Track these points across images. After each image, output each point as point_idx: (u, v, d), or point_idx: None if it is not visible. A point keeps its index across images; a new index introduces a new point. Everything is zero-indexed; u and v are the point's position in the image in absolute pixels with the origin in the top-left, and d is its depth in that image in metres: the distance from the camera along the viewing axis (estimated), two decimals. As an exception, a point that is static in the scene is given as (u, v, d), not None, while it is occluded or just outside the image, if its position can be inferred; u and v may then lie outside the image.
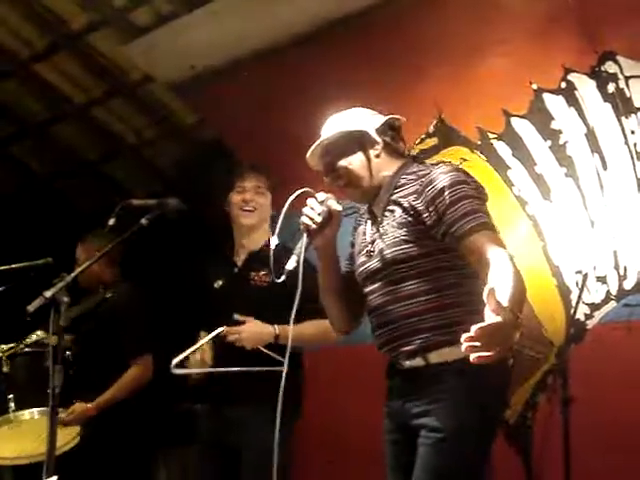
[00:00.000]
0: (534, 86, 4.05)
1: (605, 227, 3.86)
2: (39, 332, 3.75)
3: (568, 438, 3.37)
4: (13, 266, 3.79)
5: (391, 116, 2.66)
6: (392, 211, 2.53)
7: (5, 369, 3.53)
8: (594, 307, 3.89)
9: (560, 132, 4.00)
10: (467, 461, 2.42)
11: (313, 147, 2.65)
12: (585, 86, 3.90)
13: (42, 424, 3.32)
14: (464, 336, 1.89)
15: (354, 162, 2.60)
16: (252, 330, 3.35)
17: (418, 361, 2.48)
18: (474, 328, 1.89)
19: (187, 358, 3.40)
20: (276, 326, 3.35)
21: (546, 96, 4.03)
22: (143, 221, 3.13)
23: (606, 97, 3.83)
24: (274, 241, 2.70)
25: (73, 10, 5.10)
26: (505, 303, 1.99)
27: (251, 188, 3.60)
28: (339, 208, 2.59)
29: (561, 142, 4.00)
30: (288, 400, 3.27)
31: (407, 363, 2.51)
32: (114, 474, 3.86)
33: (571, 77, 3.94)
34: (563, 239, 4.01)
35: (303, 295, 3.07)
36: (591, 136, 3.90)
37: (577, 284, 3.92)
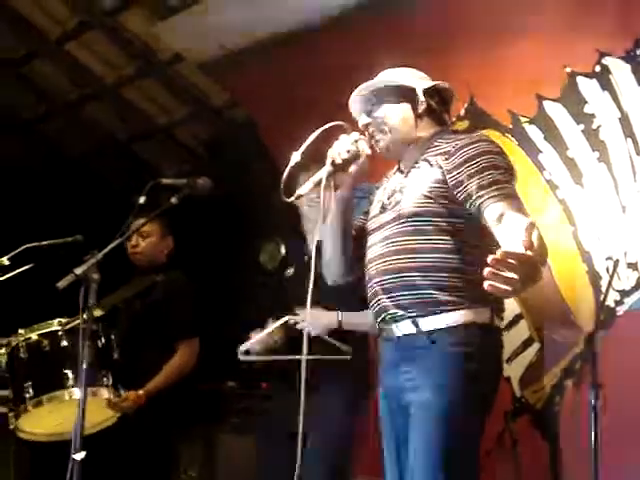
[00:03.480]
0: (567, 69, 4.01)
1: (637, 213, 3.82)
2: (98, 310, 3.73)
3: (597, 424, 3.35)
4: (43, 243, 3.81)
5: (442, 83, 2.63)
6: (419, 167, 2.52)
7: (64, 343, 3.51)
8: (624, 294, 3.85)
9: (593, 116, 3.95)
10: (459, 437, 2.37)
11: (359, 89, 2.63)
12: (620, 70, 3.84)
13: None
14: (490, 257, 1.85)
15: (394, 112, 2.58)
16: (315, 316, 3.32)
17: (408, 326, 2.43)
18: (501, 251, 1.85)
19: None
20: (339, 312, 3.35)
21: (580, 80, 3.98)
22: (173, 200, 3.14)
23: (641, 81, 3.79)
24: (295, 158, 2.58)
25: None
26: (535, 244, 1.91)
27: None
28: (368, 151, 2.57)
29: (594, 126, 3.95)
30: (354, 383, 3.33)
31: (396, 328, 2.46)
32: (138, 451, 3.87)
33: (605, 61, 3.88)
34: (594, 224, 3.97)
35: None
36: (625, 121, 3.85)
37: (607, 270, 3.88)
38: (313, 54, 4.64)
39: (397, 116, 2.58)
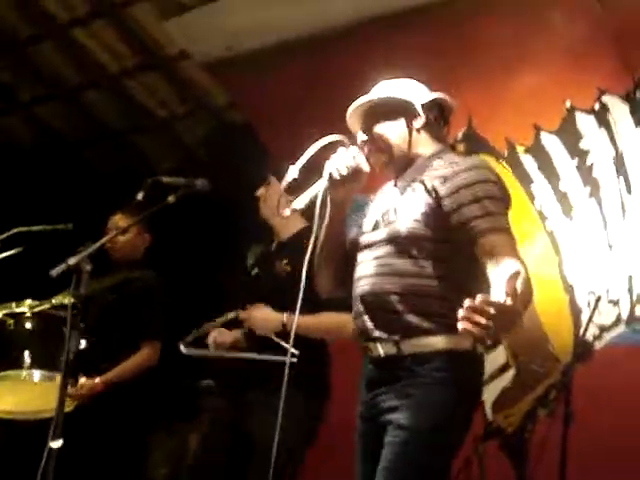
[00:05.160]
0: (567, 104, 4.08)
1: (623, 251, 3.90)
2: (61, 296, 3.79)
3: (566, 455, 3.40)
4: (33, 228, 3.83)
5: (442, 95, 2.60)
6: (414, 189, 2.49)
7: (29, 325, 3.55)
8: (603, 329, 3.93)
9: (588, 152, 4.04)
10: (431, 461, 2.38)
11: (355, 104, 2.59)
12: (618, 109, 3.93)
13: (44, 387, 3.40)
14: (466, 302, 1.88)
15: (392, 130, 2.56)
16: (257, 315, 3.38)
17: (390, 348, 2.43)
18: (480, 298, 1.88)
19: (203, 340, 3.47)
20: (285, 314, 3.34)
21: (578, 115, 4.06)
22: (170, 199, 3.16)
23: (638, 123, 3.86)
24: (293, 173, 2.55)
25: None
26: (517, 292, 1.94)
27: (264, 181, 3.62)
28: (367, 168, 2.55)
29: (588, 162, 4.03)
30: (305, 388, 3.35)
31: (379, 349, 2.45)
32: (109, 446, 3.90)
33: (605, 99, 3.97)
34: (580, 258, 4.04)
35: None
36: (619, 159, 3.94)
37: (589, 304, 3.96)
38: (321, 66, 4.68)
39: (395, 133, 2.56)
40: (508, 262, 2.20)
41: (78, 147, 6.52)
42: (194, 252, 5.62)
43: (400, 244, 2.44)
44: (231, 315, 3.42)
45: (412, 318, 2.40)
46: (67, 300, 3.61)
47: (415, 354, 2.39)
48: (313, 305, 3.25)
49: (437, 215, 2.40)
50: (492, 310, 1.88)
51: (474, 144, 4.40)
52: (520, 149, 4.27)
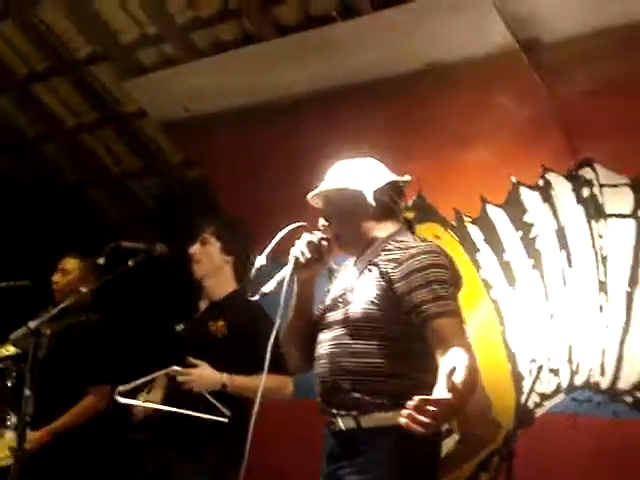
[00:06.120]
0: (513, 179, 4.24)
1: (563, 322, 4.04)
2: (10, 347, 3.83)
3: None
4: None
5: (395, 178, 2.69)
6: (371, 271, 2.57)
7: None
8: (544, 397, 4.06)
9: (532, 225, 4.18)
10: None
11: (312, 194, 2.71)
12: (561, 187, 4.09)
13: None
14: (408, 403, 2.01)
15: (347, 216, 2.65)
16: (201, 374, 3.42)
17: (349, 422, 2.51)
18: (419, 398, 2.00)
19: (136, 395, 3.51)
20: (225, 375, 3.43)
21: (523, 190, 4.22)
22: (130, 263, 3.30)
23: (580, 200, 4.02)
24: (260, 261, 2.67)
25: (78, 39, 5.25)
26: (458, 387, 2.09)
27: (198, 240, 3.68)
28: (330, 252, 2.66)
29: (532, 235, 4.18)
30: (231, 449, 3.42)
31: (340, 423, 2.54)
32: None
33: (549, 176, 4.13)
34: (522, 327, 4.17)
35: (261, 347, 3.24)
36: (561, 234, 4.09)
37: (530, 372, 4.09)
38: (274, 132, 4.79)
39: (350, 219, 2.66)
40: (454, 351, 2.31)
41: (38, 198, 6.53)
42: (146, 301, 5.65)
43: (355, 325, 2.54)
44: (169, 370, 3.44)
45: (367, 396, 2.49)
46: (10, 350, 3.70)
47: (374, 428, 2.48)
48: (252, 366, 3.37)
49: (390, 298, 2.49)
50: (432, 408, 2.01)
51: (424, 212, 4.52)
52: (467, 220, 4.41)
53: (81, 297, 3.97)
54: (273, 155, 4.85)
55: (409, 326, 2.48)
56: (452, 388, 2.04)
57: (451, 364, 2.15)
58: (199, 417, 3.34)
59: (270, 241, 2.65)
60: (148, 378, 3.51)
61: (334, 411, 2.56)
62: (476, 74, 4.07)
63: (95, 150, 6.05)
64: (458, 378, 2.11)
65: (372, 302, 2.52)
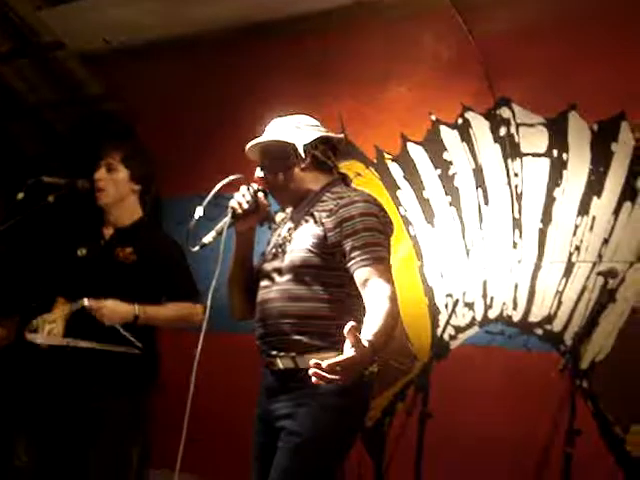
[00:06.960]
0: (432, 117, 4.31)
1: (479, 258, 4.16)
2: None
3: (422, 449, 3.64)
4: None
5: (326, 133, 2.82)
6: (307, 221, 2.72)
7: None
8: (459, 329, 4.19)
9: (451, 163, 4.27)
10: (319, 467, 2.62)
11: (248, 146, 2.81)
12: (479, 125, 4.17)
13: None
14: (312, 361, 2.16)
15: (281, 168, 2.78)
16: (113, 306, 3.41)
17: (288, 362, 2.65)
18: (326, 363, 2.15)
19: (39, 325, 3.50)
20: (137, 306, 3.44)
21: (442, 128, 4.30)
22: (50, 198, 3.27)
23: (497, 139, 4.12)
24: (198, 212, 2.77)
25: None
26: (368, 338, 2.26)
27: (103, 165, 3.62)
28: (267, 203, 2.81)
29: (450, 173, 4.27)
30: (139, 379, 3.47)
31: (278, 363, 2.67)
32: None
33: (468, 115, 4.21)
34: (439, 263, 4.29)
35: (175, 279, 3.27)
36: (478, 172, 4.19)
37: (446, 306, 4.22)
38: (195, 65, 4.75)
39: (284, 171, 2.78)
40: (375, 299, 2.47)
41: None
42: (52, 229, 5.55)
43: (296, 272, 2.66)
44: (81, 303, 3.40)
45: (307, 338, 2.62)
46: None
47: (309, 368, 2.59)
48: (160, 293, 3.49)
49: (325, 246, 2.64)
50: (339, 368, 2.16)
51: (345, 150, 4.55)
52: (388, 157, 4.48)
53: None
54: (191, 89, 4.82)
55: (347, 272, 2.60)
56: (355, 344, 2.17)
57: (369, 314, 2.39)
58: (108, 350, 3.38)
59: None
60: (59, 311, 3.48)
61: (274, 352, 2.68)
62: (398, 12, 4.09)
63: (11, 81, 5.88)
64: (367, 330, 2.30)
65: (310, 250, 2.65)
